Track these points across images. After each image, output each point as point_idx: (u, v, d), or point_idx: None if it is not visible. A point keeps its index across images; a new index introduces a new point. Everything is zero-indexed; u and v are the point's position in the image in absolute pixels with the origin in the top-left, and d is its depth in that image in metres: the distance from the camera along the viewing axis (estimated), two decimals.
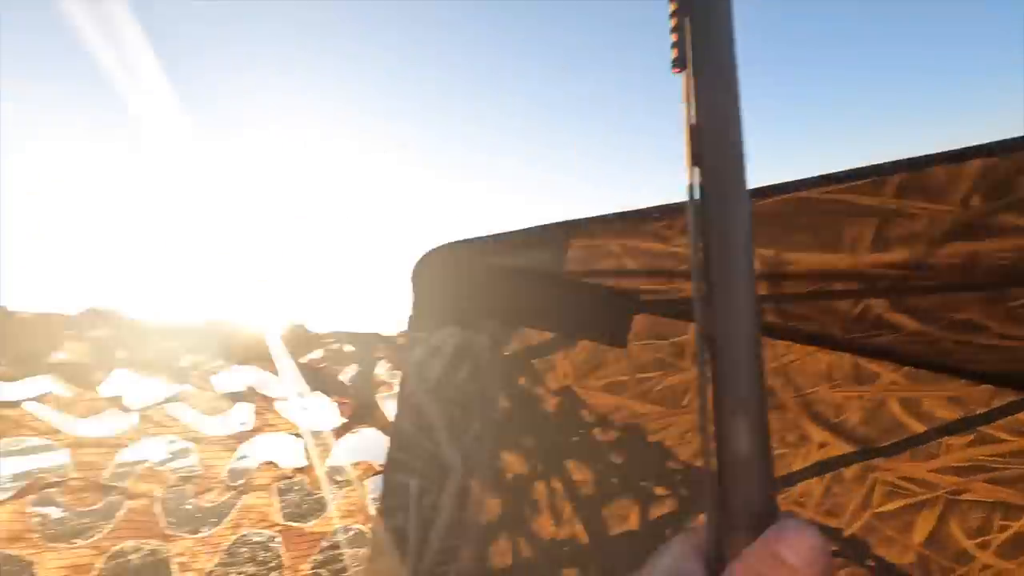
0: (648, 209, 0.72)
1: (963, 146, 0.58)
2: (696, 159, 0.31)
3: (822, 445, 0.89)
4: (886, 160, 0.61)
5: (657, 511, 0.87)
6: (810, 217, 0.66)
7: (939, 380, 0.88)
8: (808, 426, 0.89)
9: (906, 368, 0.87)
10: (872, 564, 0.91)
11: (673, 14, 0.32)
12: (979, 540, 0.92)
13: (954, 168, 0.59)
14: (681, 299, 0.83)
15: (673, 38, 0.33)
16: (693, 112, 0.31)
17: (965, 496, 0.91)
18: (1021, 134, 0.60)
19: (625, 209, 0.74)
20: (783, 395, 0.87)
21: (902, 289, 0.71)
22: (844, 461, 0.90)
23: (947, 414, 0.88)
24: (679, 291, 0.82)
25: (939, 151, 0.59)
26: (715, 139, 0.31)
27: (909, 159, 0.59)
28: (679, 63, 0.32)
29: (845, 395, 0.88)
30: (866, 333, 0.81)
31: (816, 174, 0.64)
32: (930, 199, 0.62)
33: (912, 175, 0.60)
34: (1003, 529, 0.91)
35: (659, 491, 0.87)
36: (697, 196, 0.31)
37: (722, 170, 0.31)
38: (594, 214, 0.77)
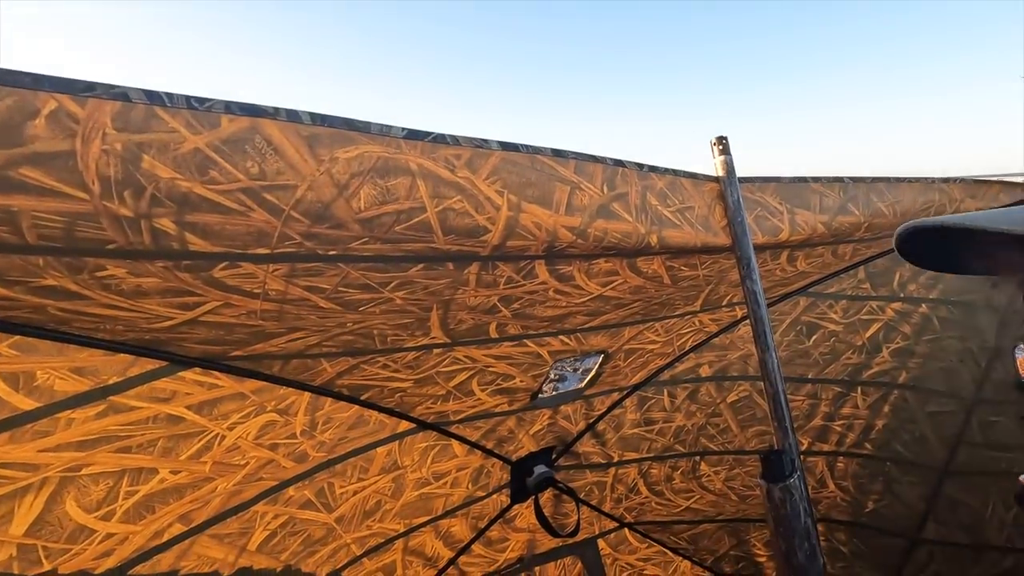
0: None
1: None
2: None
3: None
4: None
5: None
6: None
7: (65, 351, 0.80)
8: None
9: (16, 338, 0.75)
10: None
11: None
12: (102, 512, 0.91)
13: None
14: None
15: None
16: None
17: (86, 471, 0.88)
18: None
19: None
20: None
21: None
22: None
23: (71, 387, 0.82)
24: None
25: None
26: None
27: None
28: None
29: None
30: None
31: None
32: None
33: None
34: (130, 495, 0.94)
35: None
36: None
37: None
38: None
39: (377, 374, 1.24)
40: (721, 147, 1.24)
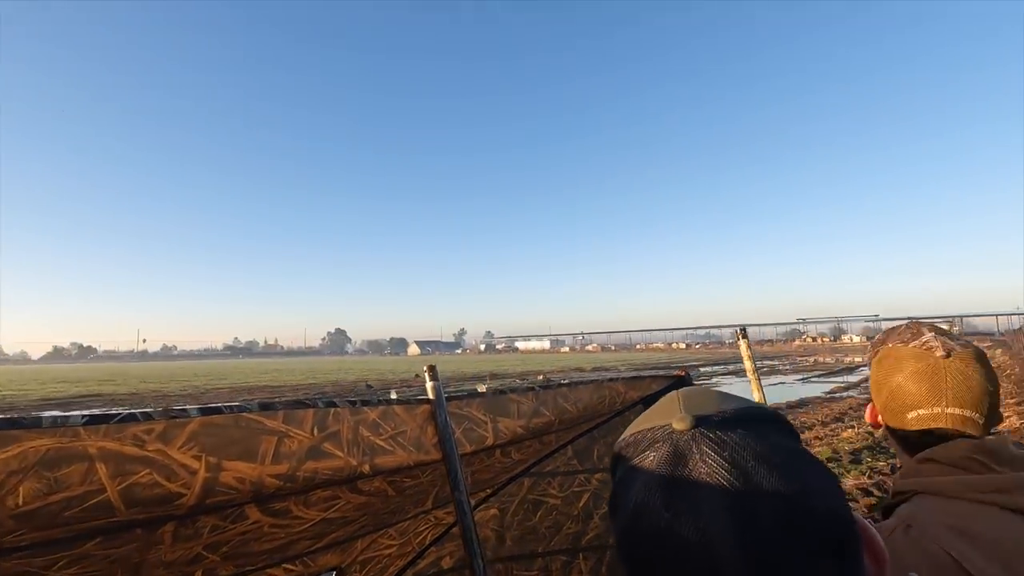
0: None
1: None
2: None
3: None
4: None
5: None
6: None
7: None
8: None
9: None
10: None
11: None
12: None
13: None
14: None
15: None
16: None
17: None
18: None
19: None
20: None
21: None
22: None
23: None
24: None
25: None
26: None
27: None
28: None
29: None
30: None
31: None
32: None
33: None
34: None
35: None
36: None
37: None
38: None
39: None
40: (431, 373, 1.47)
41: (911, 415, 0.91)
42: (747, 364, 2.10)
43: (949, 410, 0.88)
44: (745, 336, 2.20)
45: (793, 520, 0.36)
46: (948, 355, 0.89)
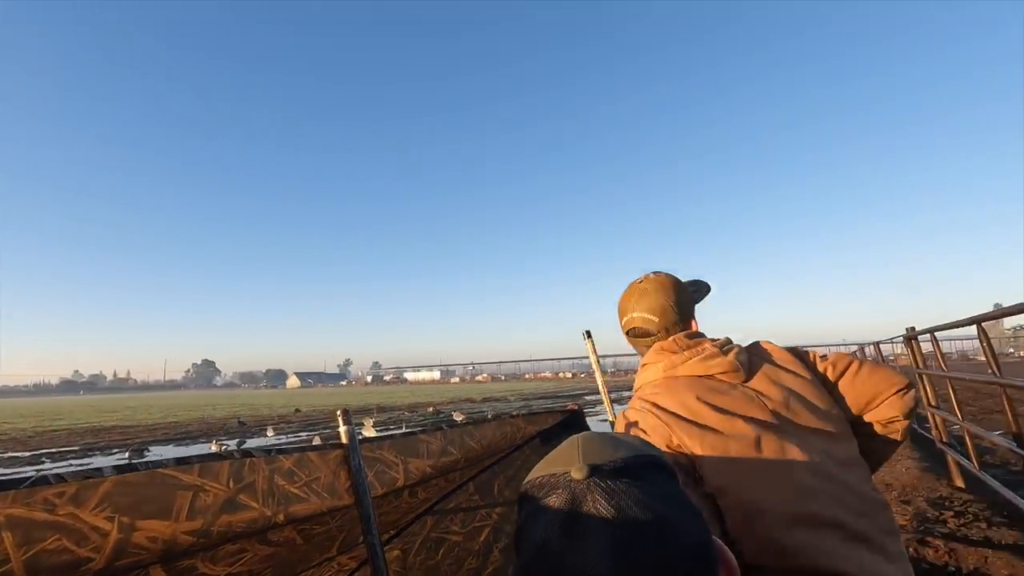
0: None
1: None
2: None
3: None
4: None
5: None
6: None
7: None
8: None
9: None
10: None
11: None
12: None
13: None
14: None
15: None
16: None
17: None
18: None
19: None
20: None
21: None
22: None
23: None
24: None
25: None
26: None
27: None
28: None
29: None
30: None
31: None
32: None
33: None
34: None
35: None
36: None
37: None
38: None
39: None
40: (345, 418, 1.49)
41: (623, 320, 1.41)
42: (601, 388, 2.39)
43: (636, 313, 1.36)
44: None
45: (664, 554, 0.45)
46: (641, 281, 1.39)
